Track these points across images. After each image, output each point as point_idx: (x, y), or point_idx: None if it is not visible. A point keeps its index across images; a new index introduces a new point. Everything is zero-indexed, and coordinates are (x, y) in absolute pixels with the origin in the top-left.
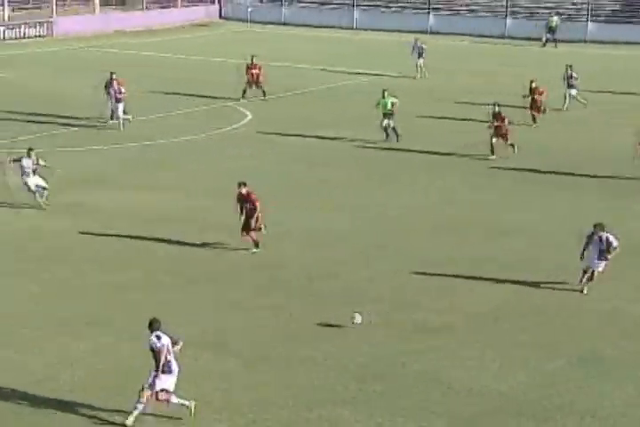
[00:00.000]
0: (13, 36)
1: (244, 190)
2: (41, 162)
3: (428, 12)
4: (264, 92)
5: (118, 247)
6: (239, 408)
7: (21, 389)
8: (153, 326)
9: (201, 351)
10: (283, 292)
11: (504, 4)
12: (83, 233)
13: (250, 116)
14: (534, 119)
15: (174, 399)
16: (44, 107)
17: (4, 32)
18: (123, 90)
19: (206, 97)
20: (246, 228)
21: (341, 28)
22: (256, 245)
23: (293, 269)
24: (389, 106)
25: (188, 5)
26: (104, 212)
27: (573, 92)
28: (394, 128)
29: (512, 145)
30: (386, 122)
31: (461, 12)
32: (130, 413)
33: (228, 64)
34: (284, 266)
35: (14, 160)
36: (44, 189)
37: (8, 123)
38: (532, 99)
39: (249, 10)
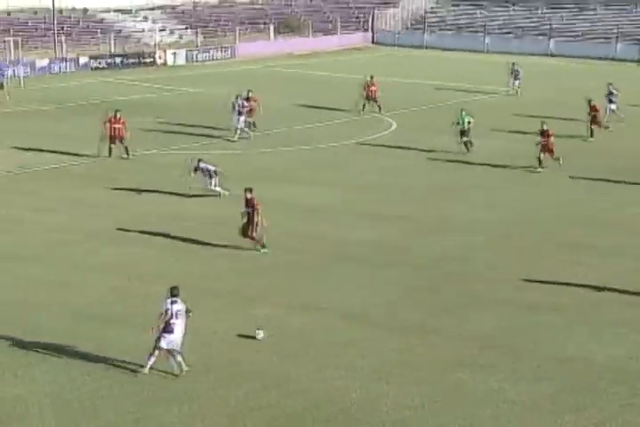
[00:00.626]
0: (204, 58)
1: (248, 195)
2: (211, 167)
3: (549, 38)
4: (380, 107)
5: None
6: (382, 368)
7: None
8: (172, 292)
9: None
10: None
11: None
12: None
13: (395, 125)
14: (592, 133)
15: (178, 358)
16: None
17: (197, 55)
18: (246, 104)
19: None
20: (244, 232)
21: (474, 51)
22: (262, 246)
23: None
24: (466, 124)
25: (345, 33)
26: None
27: (613, 106)
28: (469, 141)
29: (557, 159)
30: (465, 139)
31: (577, 37)
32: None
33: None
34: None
35: (195, 169)
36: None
37: (198, 129)
38: (593, 115)
39: (396, 36)
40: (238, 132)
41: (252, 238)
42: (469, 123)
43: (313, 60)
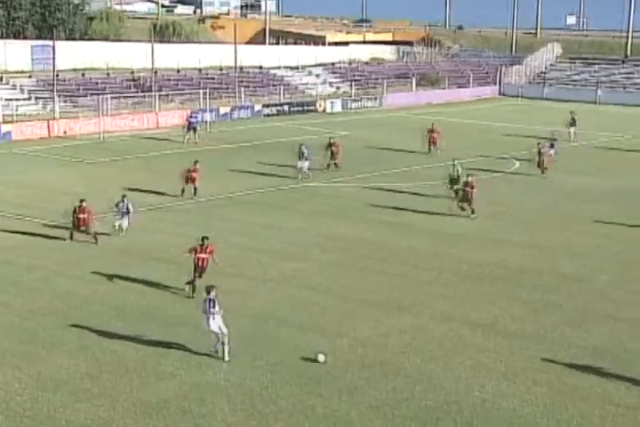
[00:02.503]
0: (357, 106)
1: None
2: None
3: None
4: (437, 150)
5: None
6: (509, 370)
7: None
8: (208, 289)
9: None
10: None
11: None
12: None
13: (517, 164)
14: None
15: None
16: (378, 153)
17: (351, 103)
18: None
19: (487, 149)
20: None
21: (587, 102)
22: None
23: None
24: (456, 173)
25: (476, 86)
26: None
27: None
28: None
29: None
30: (456, 186)
31: None
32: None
33: (502, 127)
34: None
35: None
36: None
37: (356, 163)
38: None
39: (520, 89)
40: (300, 174)
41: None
42: (459, 171)
43: (450, 109)
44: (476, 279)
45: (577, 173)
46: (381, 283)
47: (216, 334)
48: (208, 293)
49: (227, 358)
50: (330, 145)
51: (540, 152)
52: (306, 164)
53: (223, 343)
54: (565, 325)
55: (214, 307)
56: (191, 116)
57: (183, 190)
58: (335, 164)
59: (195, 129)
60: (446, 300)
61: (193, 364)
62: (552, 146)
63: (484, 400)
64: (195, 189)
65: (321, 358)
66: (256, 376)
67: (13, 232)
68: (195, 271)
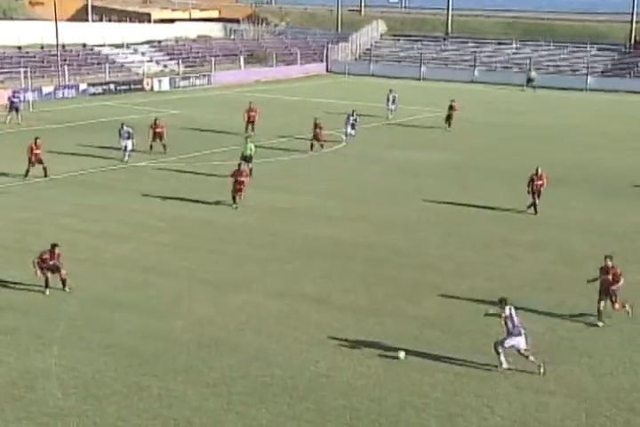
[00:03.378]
0: (185, 84)
1: None
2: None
3: (473, 67)
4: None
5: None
6: (342, 344)
7: None
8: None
9: None
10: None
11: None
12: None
13: (344, 142)
14: None
15: (530, 357)
16: (207, 133)
17: (179, 81)
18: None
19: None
20: None
21: (412, 78)
22: None
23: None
24: (249, 151)
25: (303, 63)
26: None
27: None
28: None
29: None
30: (244, 165)
31: (498, 68)
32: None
33: (329, 103)
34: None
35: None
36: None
37: (185, 143)
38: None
39: (347, 66)
40: (125, 154)
41: None
42: (251, 150)
43: (278, 86)
44: (310, 254)
45: (399, 147)
46: (217, 262)
47: None
48: None
49: None
50: (154, 126)
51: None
52: (129, 143)
53: None
54: (398, 297)
55: None
56: (13, 96)
57: (28, 171)
58: (163, 145)
59: (17, 109)
60: (281, 276)
61: (22, 350)
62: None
63: (319, 375)
64: (44, 169)
65: (402, 355)
66: (89, 360)
67: None
68: None
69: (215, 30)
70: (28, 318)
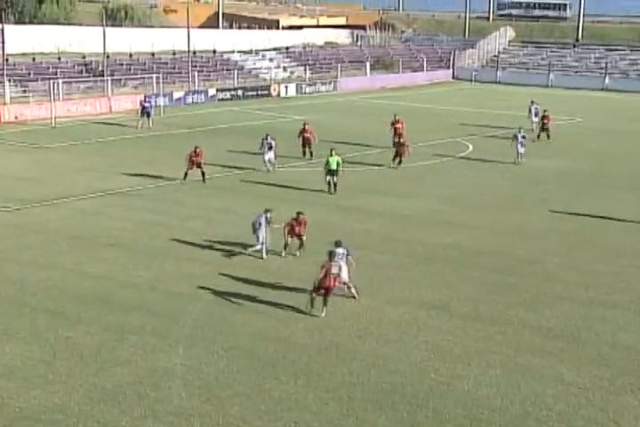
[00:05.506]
0: (311, 90)
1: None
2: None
3: (605, 75)
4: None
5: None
6: (465, 353)
7: None
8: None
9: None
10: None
11: None
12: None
13: (471, 148)
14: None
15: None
16: (333, 137)
17: (305, 87)
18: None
19: (441, 133)
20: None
21: (540, 86)
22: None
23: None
24: (334, 165)
25: (430, 70)
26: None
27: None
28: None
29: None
30: (328, 178)
31: (632, 75)
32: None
33: (455, 111)
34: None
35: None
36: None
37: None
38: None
39: (474, 73)
40: (268, 164)
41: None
42: (338, 164)
43: (404, 93)
44: (430, 261)
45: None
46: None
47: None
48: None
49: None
50: (302, 130)
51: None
52: (271, 154)
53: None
54: (519, 306)
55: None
56: (145, 101)
57: (186, 174)
58: (310, 152)
59: (148, 114)
60: (401, 282)
61: (148, 349)
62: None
63: (439, 382)
64: (203, 174)
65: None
66: (212, 361)
67: None
68: None
69: (342, 37)
70: (154, 318)
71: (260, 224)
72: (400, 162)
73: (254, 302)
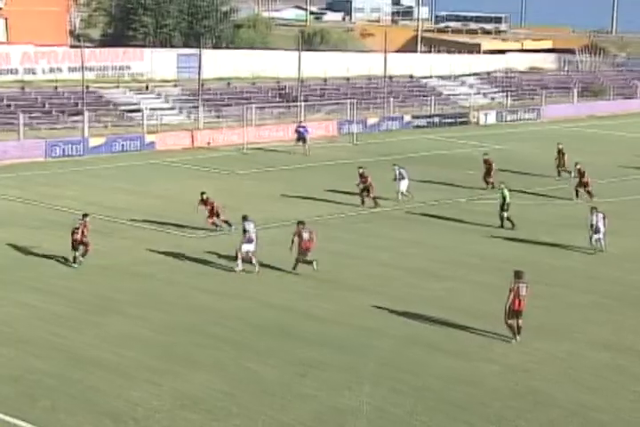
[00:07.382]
0: (513, 118)
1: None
2: None
3: None
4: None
5: None
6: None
7: None
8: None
9: None
10: None
11: None
12: None
13: None
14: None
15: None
16: (530, 170)
17: (506, 115)
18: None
19: None
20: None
21: None
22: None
23: None
24: (504, 198)
25: None
26: None
27: None
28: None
29: None
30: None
31: None
32: None
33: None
34: None
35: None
36: None
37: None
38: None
39: None
40: (400, 195)
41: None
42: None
43: (614, 122)
44: (636, 303)
45: None
46: (534, 306)
47: None
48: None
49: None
50: (485, 162)
51: None
52: (403, 184)
53: None
54: None
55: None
56: (299, 126)
57: (363, 201)
58: (489, 182)
59: (304, 140)
60: (605, 325)
61: (332, 385)
62: None
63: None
64: (374, 200)
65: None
66: (399, 401)
67: (155, 248)
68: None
69: (548, 61)
70: (340, 354)
71: None
72: (591, 194)
73: (444, 341)
